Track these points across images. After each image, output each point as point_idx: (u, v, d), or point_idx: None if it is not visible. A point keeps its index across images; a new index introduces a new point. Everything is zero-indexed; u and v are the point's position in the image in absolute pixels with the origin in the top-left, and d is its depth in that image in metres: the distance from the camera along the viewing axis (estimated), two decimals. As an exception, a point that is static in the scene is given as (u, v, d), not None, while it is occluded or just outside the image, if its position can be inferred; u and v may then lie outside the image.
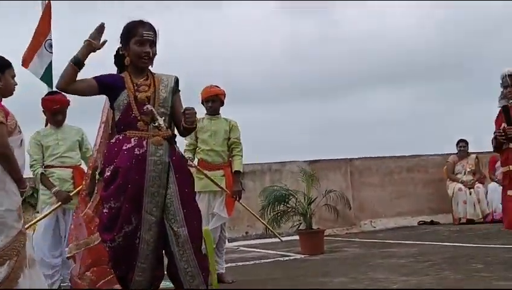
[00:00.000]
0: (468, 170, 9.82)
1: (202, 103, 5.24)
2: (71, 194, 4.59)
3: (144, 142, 3.20)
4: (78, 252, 3.97)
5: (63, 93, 4.43)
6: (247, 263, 6.41)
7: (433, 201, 10.32)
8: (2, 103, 3.26)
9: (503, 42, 17.52)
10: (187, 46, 16.46)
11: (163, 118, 3.24)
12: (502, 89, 4.81)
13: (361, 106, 17.76)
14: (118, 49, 3.38)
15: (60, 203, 4.56)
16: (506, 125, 4.56)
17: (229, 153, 5.18)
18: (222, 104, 5.25)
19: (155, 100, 3.27)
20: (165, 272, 3.34)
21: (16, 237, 2.96)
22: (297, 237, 7.24)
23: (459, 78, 18.48)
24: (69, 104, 4.75)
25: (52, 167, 4.67)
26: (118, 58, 3.40)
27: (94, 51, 3.19)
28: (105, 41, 3.19)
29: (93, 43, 3.15)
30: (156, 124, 3.19)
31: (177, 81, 3.39)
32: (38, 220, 4.63)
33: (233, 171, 5.10)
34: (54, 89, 4.88)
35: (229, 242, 6.57)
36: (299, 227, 7.14)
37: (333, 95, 18.90)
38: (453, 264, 5.07)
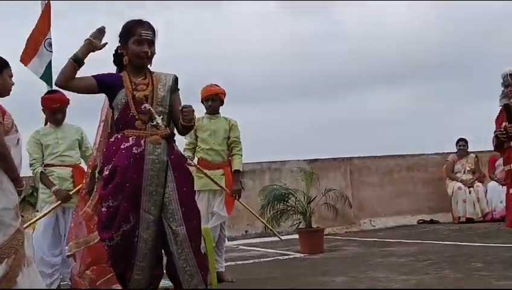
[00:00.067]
0: (468, 169, 9.82)
1: (202, 102, 5.24)
2: (71, 193, 4.58)
3: (142, 141, 3.20)
4: (78, 250, 3.97)
5: (62, 92, 4.45)
6: (247, 261, 6.41)
7: (433, 200, 10.32)
8: (-1, 102, 3.26)
9: (503, 42, 17.52)
10: (187, 45, 16.47)
11: (162, 116, 3.24)
12: (502, 88, 4.81)
13: (361, 105, 17.77)
14: (117, 48, 3.38)
15: (59, 202, 4.55)
16: (507, 124, 4.55)
17: (229, 152, 5.18)
18: (222, 103, 5.25)
19: (153, 99, 3.27)
20: (164, 271, 3.35)
21: (14, 235, 2.96)
22: (296, 236, 7.24)
23: (459, 77, 18.49)
24: (68, 103, 4.75)
25: (52, 165, 4.67)
26: (117, 58, 3.41)
27: (94, 51, 3.20)
28: (105, 43, 3.22)
29: (94, 42, 3.17)
30: (154, 123, 3.18)
31: (176, 79, 3.39)
32: (38, 219, 4.63)
33: (233, 170, 5.11)
34: (54, 88, 4.88)
35: (228, 241, 6.56)
36: (298, 226, 7.15)
37: (333, 95, 18.91)
38: (452, 263, 5.07)
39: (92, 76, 3.27)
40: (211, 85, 5.22)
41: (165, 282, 3.54)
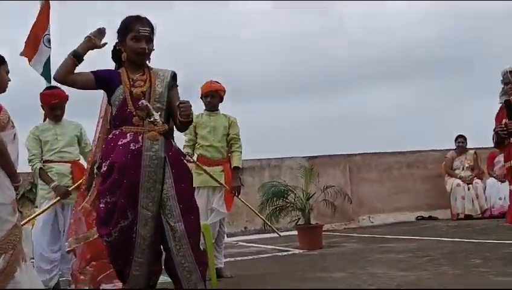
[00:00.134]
0: (467, 165, 9.83)
1: (201, 98, 5.24)
2: (70, 189, 4.58)
3: (140, 138, 3.20)
4: (78, 246, 3.98)
5: (61, 88, 4.45)
6: (246, 258, 6.42)
7: (432, 197, 10.34)
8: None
9: (503, 39, 17.53)
10: (187, 42, 16.45)
11: (159, 113, 3.23)
12: (502, 86, 4.82)
13: (361, 102, 17.76)
14: (116, 44, 3.38)
15: (58, 198, 4.55)
16: (507, 120, 4.56)
17: (228, 149, 5.19)
18: (221, 100, 5.25)
19: (151, 95, 3.27)
20: (163, 267, 3.35)
21: (11, 230, 2.96)
22: (295, 232, 7.25)
23: (459, 75, 18.48)
24: (67, 99, 4.75)
25: (51, 161, 4.67)
26: (116, 54, 3.40)
27: (93, 48, 3.23)
28: (105, 43, 3.26)
29: (93, 39, 3.21)
30: (152, 119, 3.18)
31: (174, 75, 3.38)
32: (37, 215, 4.63)
33: (232, 167, 5.11)
34: (53, 83, 4.87)
35: (228, 237, 6.57)
36: (297, 222, 7.16)
37: (333, 92, 18.91)
38: (451, 260, 5.08)
39: (91, 72, 3.28)
40: (211, 82, 5.22)
41: (164, 278, 3.55)
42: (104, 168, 3.23)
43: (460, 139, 10.00)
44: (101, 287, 3.98)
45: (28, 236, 4.93)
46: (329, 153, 10.12)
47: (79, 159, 4.84)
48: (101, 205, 3.24)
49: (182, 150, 4.23)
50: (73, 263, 4.19)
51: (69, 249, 4.06)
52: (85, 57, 3.24)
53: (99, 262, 3.90)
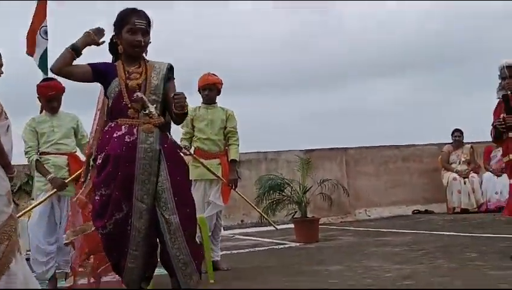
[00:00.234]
0: (463, 159, 9.85)
1: (199, 91, 5.23)
2: (66, 181, 4.58)
3: (135, 130, 3.20)
4: (75, 238, 3.98)
5: (58, 80, 4.43)
6: (242, 250, 6.44)
7: (428, 190, 10.36)
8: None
9: (502, 33, 17.54)
10: (187, 42, 16.43)
11: (155, 105, 3.23)
12: (500, 80, 4.82)
13: (359, 96, 17.80)
14: (112, 37, 3.37)
15: (55, 190, 4.55)
16: (505, 115, 4.57)
17: (225, 142, 5.18)
18: (219, 93, 5.25)
19: (146, 87, 3.27)
20: (159, 260, 3.35)
21: (6, 221, 2.95)
22: (292, 226, 7.27)
23: (457, 69, 18.51)
24: (64, 91, 4.72)
25: (48, 153, 4.65)
26: (112, 46, 3.40)
27: (91, 44, 3.24)
28: (103, 42, 3.27)
29: (92, 35, 3.22)
30: (147, 112, 3.18)
31: (170, 68, 3.37)
32: (33, 207, 4.62)
33: (229, 160, 5.11)
34: (50, 75, 4.86)
35: (224, 230, 6.59)
36: (294, 215, 7.18)
37: (333, 85, 18.92)
38: (447, 253, 5.10)
39: (88, 64, 3.28)
40: (208, 74, 5.21)
41: (159, 270, 3.55)
42: (99, 161, 3.24)
43: (457, 133, 10.01)
44: (101, 280, 3.99)
45: (24, 228, 4.93)
46: (326, 147, 10.13)
47: (75, 151, 4.83)
48: (96, 198, 3.25)
49: (179, 142, 4.24)
50: (72, 255, 4.19)
51: (66, 241, 4.06)
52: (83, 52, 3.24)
53: (98, 255, 3.91)
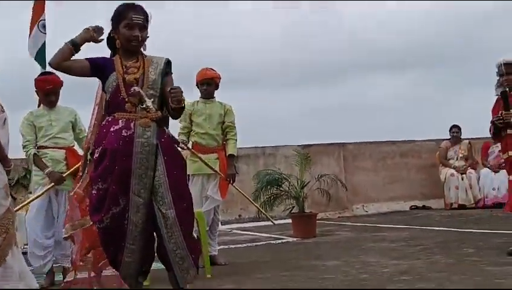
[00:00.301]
0: (461, 155, 9.86)
1: (197, 86, 5.22)
2: (64, 175, 4.57)
3: (132, 124, 3.20)
4: (74, 232, 3.97)
5: (56, 74, 4.43)
6: (240, 245, 6.45)
7: (426, 186, 10.38)
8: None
9: (500, 31, 17.53)
10: (187, 42, 16.38)
11: (152, 99, 3.22)
12: (498, 78, 4.84)
13: (359, 92, 17.78)
14: (110, 32, 3.37)
15: (52, 184, 4.54)
16: (504, 111, 4.58)
17: (223, 137, 5.18)
18: (217, 87, 5.24)
19: (144, 82, 3.26)
20: (156, 254, 3.35)
21: (4, 214, 2.95)
22: (289, 221, 7.28)
23: (457, 65, 18.50)
24: (62, 85, 4.72)
25: (45, 147, 4.65)
26: (110, 41, 3.40)
27: (89, 41, 3.24)
28: (102, 39, 3.28)
29: (91, 32, 3.23)
30: (144, 106, 3.17)
31: (168, 62, 3.37)
32: (31, 201, 4.62)
33: (227, 154, 5.11)
34: (48, 69, 4.85)
35: (222, 225, 6.58)
36: (291, 210, 7.18)
37: (332, 81, 18.91)
38: (444, 249, 5.11)
39: (86, 59, 3.28)
40: (206, 69, 5.20)
41: (157, 265, 3.55)
42: (96, 155, 3.24)
43: (455, 129, 10.01)
44: (102, 274, 3.99)
45: (21, 222, 4.93)
46: (323, 142, 10.13)
47: (73, 145, 4.83)
48: (93, 192, 3.25)
49: (177, 137, 4.23)
50: (72, 250, 4.18)
51: (65, 235, 4.06)
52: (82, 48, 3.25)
53: (98, 249, 3.91)
